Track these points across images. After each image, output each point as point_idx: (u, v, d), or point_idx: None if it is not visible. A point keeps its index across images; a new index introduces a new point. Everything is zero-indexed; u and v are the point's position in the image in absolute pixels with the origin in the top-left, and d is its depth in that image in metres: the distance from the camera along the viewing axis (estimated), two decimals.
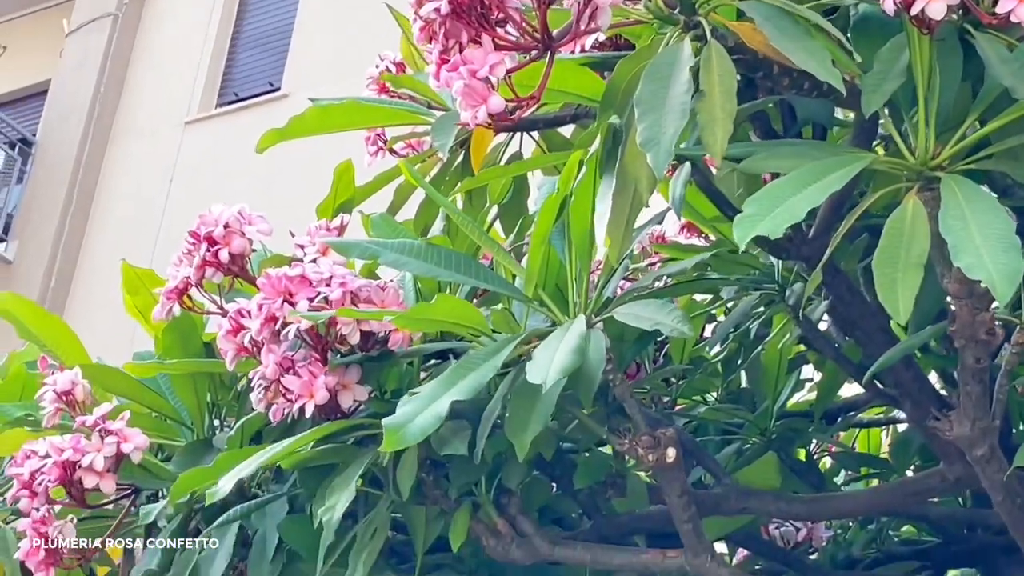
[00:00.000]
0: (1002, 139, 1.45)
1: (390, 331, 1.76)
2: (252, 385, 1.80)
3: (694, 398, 2.47)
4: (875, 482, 2.55)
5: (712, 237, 2.32)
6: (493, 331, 1.68)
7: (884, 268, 1.35)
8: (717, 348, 2.38)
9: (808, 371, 2.55)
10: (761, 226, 1.32)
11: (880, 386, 2.07)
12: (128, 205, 11.84)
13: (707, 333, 2.42)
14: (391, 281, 1.80)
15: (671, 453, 1.64)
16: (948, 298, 1.50)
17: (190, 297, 2.00)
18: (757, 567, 2.37)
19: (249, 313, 1.78)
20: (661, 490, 1.71)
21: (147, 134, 12.22)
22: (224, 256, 1.93)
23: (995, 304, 1.43)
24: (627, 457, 1.96)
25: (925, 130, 1.41)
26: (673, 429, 1.66)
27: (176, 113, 12.17)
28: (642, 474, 2.04)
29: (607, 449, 2.03)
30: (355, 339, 1.74)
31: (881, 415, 2.96)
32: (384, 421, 1.52)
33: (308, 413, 1.73)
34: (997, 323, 1.47)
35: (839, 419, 2.54)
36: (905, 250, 1.34)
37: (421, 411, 1.52)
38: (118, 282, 2.22)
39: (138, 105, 12.50)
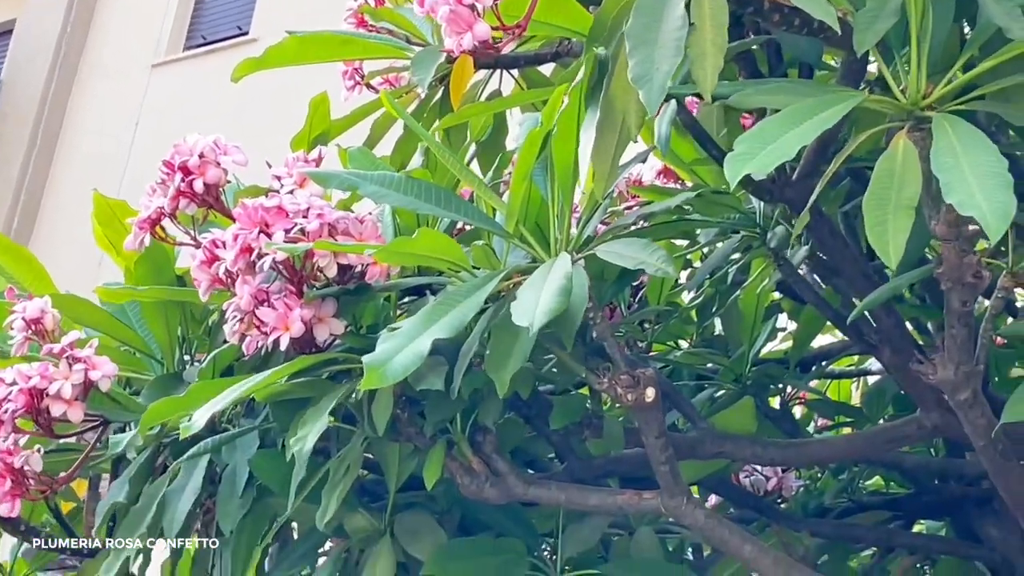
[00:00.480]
0: (994, 80, 1.43)
1: (368, 264, 1.73)
2: (226, 317, 1.76)
3: (668, 343, 2.46)
4: (847, 431, 2.55)
5: (689, 183, 2.30)
6: (474, 267, 1.65)
7: (874, 210, 1.32)
8: (693, 294, 2.37)
9: (781, 321, 2.54)
10: (752, 164, 1.30)
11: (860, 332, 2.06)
12: (94, 145, 11.75)
13: (682, 280, 2.40)
14: (370, 214, 1.77)
15: (650, 393, 1.62)
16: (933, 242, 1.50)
17: (163, 228, 1.96)
18: (729, 513, 2.36)
19: (224, 244, 1.75)
20: (639, 431, 1.69)
21: (114, 75, 12.12)
22: (199, 186, 1.89)
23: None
24: (604, 398, 1.97)
25: (917, 70, 1.39)
26: (652, 369, 1.64)
27: (143, 55, 12.06)
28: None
29: (583, 392, 2.02)
30: (332, 272, 1.71)
31: (852, 367, 2.96)
32: (364, 358, 1.49)
33: (283, 346, 1.70)
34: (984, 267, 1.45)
35: (813, 368, 2.54)
36: (896, 192, 1.32)
37: (402, 348, 1.49)
38: (83, 220, 2.18)
39: (105, 46, 12.38)
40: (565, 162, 1.58)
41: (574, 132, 1.55)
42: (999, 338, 2.19)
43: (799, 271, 2.04)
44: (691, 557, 2.38)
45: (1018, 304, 2.36)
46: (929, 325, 2.34)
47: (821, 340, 2.65)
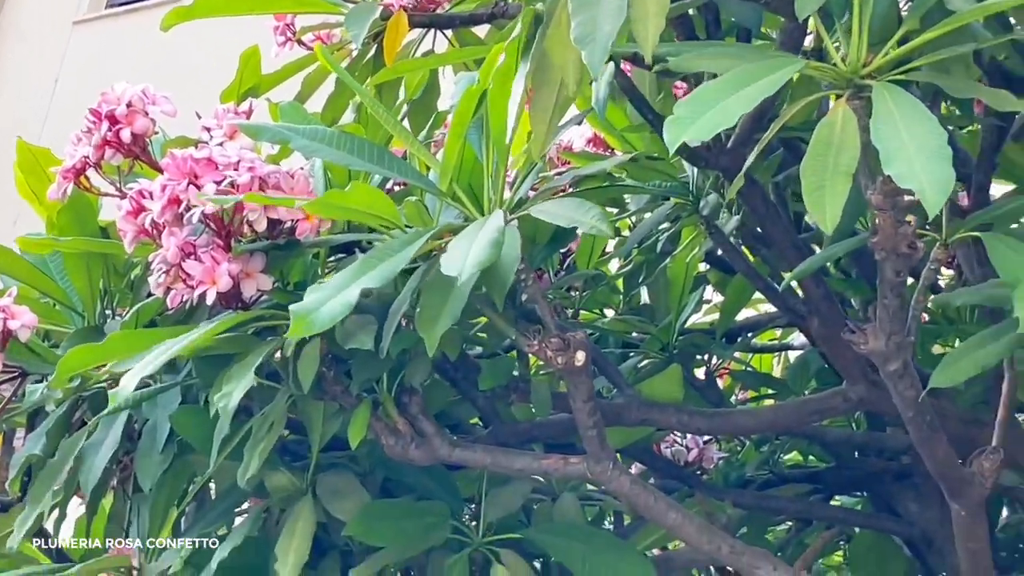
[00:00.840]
0: (934, 51, 1.43)
1: (298, 220, 1.70)
2: (151, 269, 1.73)
3: (595, 311, 2.45)
4: (769, 403, 2.55)
5: (619, 152, 2.29)
6: (406, 225, 1.63)
7: (812, 176, 1.31)
8: (621, 262, 2.37)
9: (707, 294, 2.54)
10: (692, 129, 1.28)
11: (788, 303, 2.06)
12: (11, 105, 11.57)
13: (610, 248, 2.40)
14: (301, 169, 1.75)
15: (580, 356, 1.61)
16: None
17: (87, 178, 1.92)
18: (651, 483, 2.35)
19: (151, 194, 1.71)
20: (566, 395, 1.68)
21: (33, 33, 11.93)
22: (126, 136, 1.85)
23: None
24: (533, 361, 1.96)
25: (858, 37, 1.38)
26: (583, 333, 1.63)
27: (64, 12, 11.88)
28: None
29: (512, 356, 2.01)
30: (262, 226, 1.69)
31: (775, 341, 2.97)
32: (292, 307, 1.46)
33: (209, 300, 1.67)
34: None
35: (739, 339, 2.54)
36: (834, 158, 1.31)
37: (330, 298, 1.47)
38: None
39: (24, 2, 12.19)
40: (500, 122, 1.56)
41: (510, 90, 1.53)
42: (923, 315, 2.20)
43: (730, 240, 2.04)
44: (611, 527, 2.38)
45: (941, 283, 2.38)
46: (852, 301, 2.35)
47: (745, 315, 2.65)
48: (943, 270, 2.14)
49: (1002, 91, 1.41)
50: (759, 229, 2.02)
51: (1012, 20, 1.59)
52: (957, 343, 2.21)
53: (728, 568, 2.53)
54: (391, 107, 2.15)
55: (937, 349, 2.39)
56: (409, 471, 1.93)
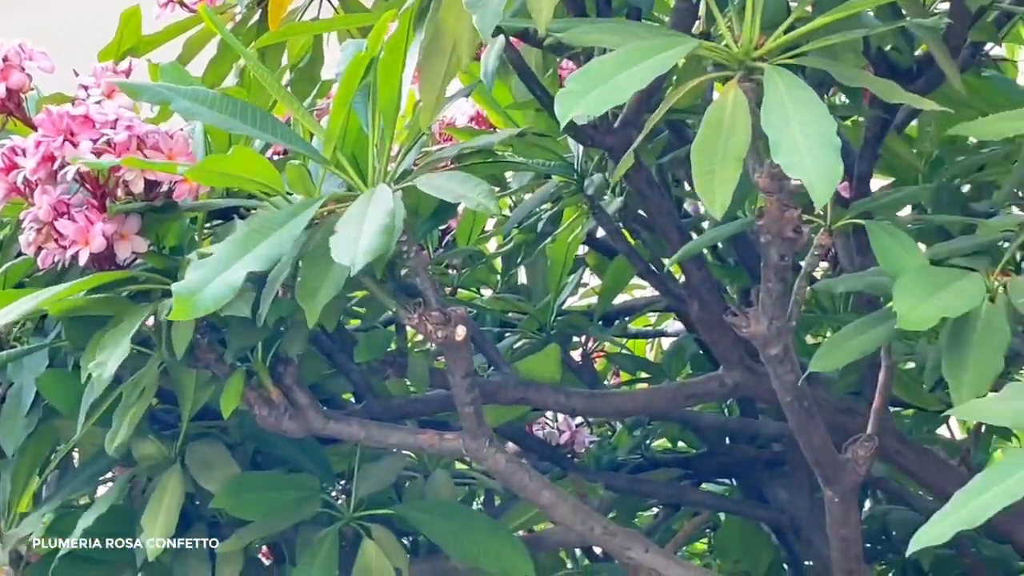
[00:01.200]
0: (826, 36, 1.43)
1: (176, 182, 1.67)
2: (23, 227, 1.68)
3: (473, 290, 2.44)
4: (642, 387, 2.56)
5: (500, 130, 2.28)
6: (288, 193, 1.60)
7: (702, 160, 1.30)
8: (502, 241, 2.36)
9: (585, 277, 2.54)
10: (584, 103, 1.27)
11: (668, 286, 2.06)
12: None
13: (489, 227, 2.39)
14: (181, 130, 1.71)
15: (460, 331, 1.59)
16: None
17: None
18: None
19: (25, 151, 1.66)
20: (446, 370, 1.66)
21: None
22: (0, 91, 1.80)
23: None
24: (410, 335, 1.94)
25: (752, 19, 1.37)
26: (463, 308, 1.62)
27: None
28: None
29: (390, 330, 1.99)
30: (139, 187, 1.64)
31: (650, 327, 2.98)
32: (173, 287, 1.43)
33: (82, 261, 1.63)
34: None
35: (616, 322, 2.54)
36: (724, 141, 1.30)
37: (213, 278, 1.43)
38: None
39: None
40: (390, 89, 1.54)
41: (401, 59, 1.51)
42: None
43: (613, 221, 2.04)
44: (482, 508, 2.37)
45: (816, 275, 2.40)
46: (728, 289, 2.36)
47: (622, 300, 2.66)
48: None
49: (890, 81, 1.42)
50: (642, 211, 2.02)
51: (904, 12, 1.60)
52: (829, 333, 2.23)
53: (595, 550, 2.55)
54: (275, 73, 2.11)
55: (810, 339, 2.41)
56: (281, 443, 1.90)
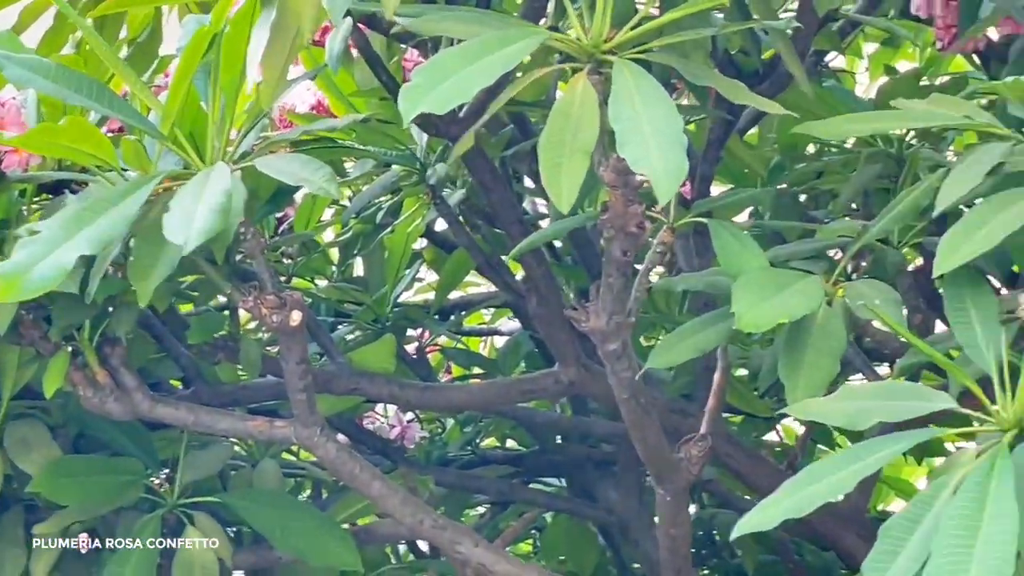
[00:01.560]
0: (674, 32, 1.43)
1: (5, 152, 1.61)
2: None
3: (308, 279, 2.40)
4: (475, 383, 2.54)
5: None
6: (122, 167, 1.55)
7: (549, 152, 1.29)
8: (340, 229, 2.32)
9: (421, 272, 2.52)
10: (429, 99, 1.24)
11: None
12: None
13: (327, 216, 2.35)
14: (13, 99, 1.65)
15: (295, 316, 1.56)
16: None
17: None
18: None
19: None
20: (279, 356, 1.63)
21: None
22: None
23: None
24: (245, 320, 1.90)
25: (602, 12, 1.36)
26: (299, 293, 1.58)
27: None
28: None
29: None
30: None
31: (484, 325, 2.97)
32: (0, 265, 1.37)
33: None
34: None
35: (452, 317, 2.52)
36: (572, 134, 1.29)
37: (43, 258, 1.36)
38: None
39: None
40: (232, 67, 1.50)
41: (246, 35, 1.47)
42: None
43: (454, 213, 2.02)
44: (310, 499, 2.34)
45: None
46: (566, 287, 2.35)
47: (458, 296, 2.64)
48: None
49: (737, 82, 1.42)
50: (484, 204, 2.00)
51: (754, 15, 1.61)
52: (663, 335, 2.24)
53: (420, 546, 2.53)
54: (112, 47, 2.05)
55: (644, 341, 2.41)
56: (104, 426, 1.85)
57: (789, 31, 1.58)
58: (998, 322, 1.32)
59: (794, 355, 1.39)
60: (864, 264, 1.65)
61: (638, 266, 1.53)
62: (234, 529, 1.98)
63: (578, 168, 1.27)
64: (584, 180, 1.31)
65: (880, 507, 2.84)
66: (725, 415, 2.40)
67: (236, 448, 2.06)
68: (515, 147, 2.00)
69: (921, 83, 2.09)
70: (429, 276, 2.62)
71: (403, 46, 2.01)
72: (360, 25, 1.78)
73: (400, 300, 2.37)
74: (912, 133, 1.88)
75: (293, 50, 1.46)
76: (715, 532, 2.56)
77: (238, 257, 1.80)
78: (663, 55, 1.39)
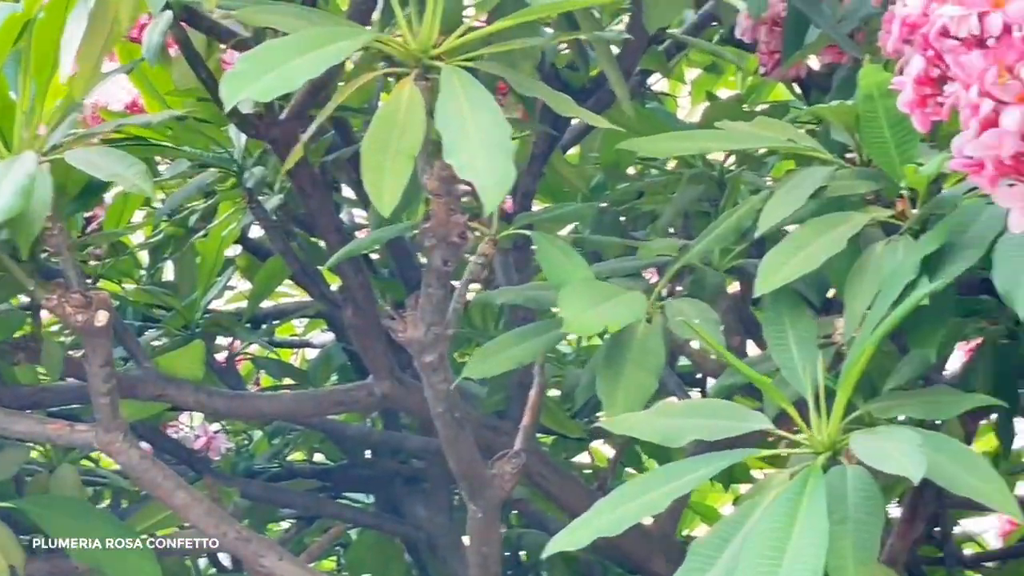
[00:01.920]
0: (503, 39, 1.42)
1: None
2: None
3: (116, 281, 2.33)
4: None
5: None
6: None
7: (373, 154, 1.27)
8: (151, 231, 2.27)
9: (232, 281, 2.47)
10: (253, 88, 1.22)
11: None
12: None
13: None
14: None
15: (102, 316, 1.51)
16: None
17: None
18: None
19: None
20: (83, 358, 1.57)
21: None
22: None
23: None
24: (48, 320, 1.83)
25: (432, 16, 1.34)
26: (106, 293, 1.53)
27: None
28: None
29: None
30: None
31: (296, 337, 2.93)
32: None
33: None
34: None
35: (264, 325, 2.48)
36: (397, 138, 1.27)
37: None
38: None
39: None
40: (45, 54, 1.44)
41: (61, 23, 1.41)
42: None
43: (271, 218, 1.98)
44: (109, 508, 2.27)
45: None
46: (382, 300, 2.32)
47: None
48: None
49: (564, 95, 1.41)
50: (302, 211, 1.97)
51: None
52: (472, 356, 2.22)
53: (222, 560, 2.47)
54: None
55: (459, 358, 2.40)
56: None
57: (616, 49, 1.57)
58: (815, 345, 1.33)
59: (613, 371, 1.38)
60: (680, 288, 1.65)
61: (455, 283, 1.51)
62: (28, 537, 1.91)
63: (402, 171, 1.25)
64: (406, 191, 1.30)
65: (686, 532, 2.86)
66: (537, 435, 2.40)
67: (33, 453, 1.99)
68: (336, 153, 1.97)
69: (743, 109, 2.11)
70: (243, 285, 2.58)
71: (223, 46, 1.97)
72: (182, 23, 1.74)
73: (211, 307, 2.32)
74: (732, 159, 1.90)
75: (109, 41, 1.41)
76: (522, 552, 2.54)
77: (43, 255, 1.73)
78: (491, 64, 1.38)
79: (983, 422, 1.73)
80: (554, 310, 1.47)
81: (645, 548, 1.95)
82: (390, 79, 1.46)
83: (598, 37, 1.53)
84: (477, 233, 1.52)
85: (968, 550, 2.49)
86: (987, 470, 1.11)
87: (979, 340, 1.55)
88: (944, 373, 1.60)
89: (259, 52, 1.25)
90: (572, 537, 1.18)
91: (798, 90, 1.99)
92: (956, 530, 2.37)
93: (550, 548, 1.19)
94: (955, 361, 1.68)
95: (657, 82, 2.44)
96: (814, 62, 1.81)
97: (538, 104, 1.78)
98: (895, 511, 1.73)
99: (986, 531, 2.69)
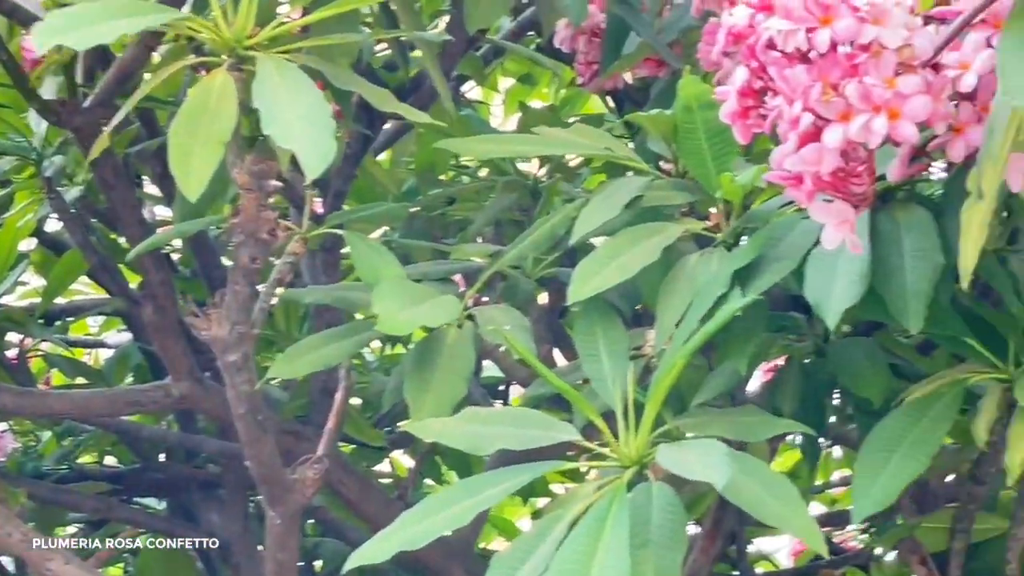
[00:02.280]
0: (320, 34, 1.39)
1: None
2: None
3: None
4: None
5: None
6: None
7: (181, 138, 1.24)
8: None
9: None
10: (66, 38, 1.18)
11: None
12: None
13: None
14: None
15: None
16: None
17: None
18: None
19: None
20: None
21: None
22: None
23: None
24: None
25: (248, 4, 1.31)
26: None
27: None
28: None
29: None
30: None
31: (91, 336, 2.86)
32: None
33: None
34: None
35: (58, 322, 2.40)
36: (208, 123, 1.24)
37: None
38: None
39: None
40: None
41: None
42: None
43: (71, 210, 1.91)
44: None
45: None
46: (184, 300, 2.27)
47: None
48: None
49: (384, 90, 1.39)
50: (104, 204, 1.90)
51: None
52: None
53: (2, 562, 2.38)
54: None
55: (260, 360, 2.35)
56: None
57: (440, 42, 1.55)
58: (626, 357, 1.32)
59: (422, 375, 1.36)
60: (487, 299, 1.63)
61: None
62: None
63: (210, 157, 1.23)
64: (213, 184, 1.26)
65: (482, 545, 2.84)
66: (337, 443, 2.36)
67: None
68: (141, 145, 1.91)
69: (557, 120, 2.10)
70: (34, 281, 2.50)
71: (24, 30, 1.90)
72: None
73: (2, 302, 2.23)
74: (546, 169, 1.90)
75: None
76: (317, 562, 2.50)
77: None
78: (308, 57, 1.35)
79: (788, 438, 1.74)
80: (362, 313, 1.44)
81: (444, 559, 1.92)
82: (199, 74, 1.43)
83: (419, 37, 1.51)
84: (286, 232, 1.48)
85: (760, 569, 2.51)
86: (791, 496, 1.10)
87: (781, 359, 1.55)
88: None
89: (73, 9, 1.22)
90: (375, 550, 1.15)
91: (612, 103, 1.98)
92: (750, 548, 2.39)
93: (352, 561, 1.16)
94: (755, 381, 1.68)
95: (471, 89, 2.43)
96: (629, 77, 1.81)
97: (353, 104, 1.75)
98: (693, 528, 1.73)
99: (779, 550, 2.71)
